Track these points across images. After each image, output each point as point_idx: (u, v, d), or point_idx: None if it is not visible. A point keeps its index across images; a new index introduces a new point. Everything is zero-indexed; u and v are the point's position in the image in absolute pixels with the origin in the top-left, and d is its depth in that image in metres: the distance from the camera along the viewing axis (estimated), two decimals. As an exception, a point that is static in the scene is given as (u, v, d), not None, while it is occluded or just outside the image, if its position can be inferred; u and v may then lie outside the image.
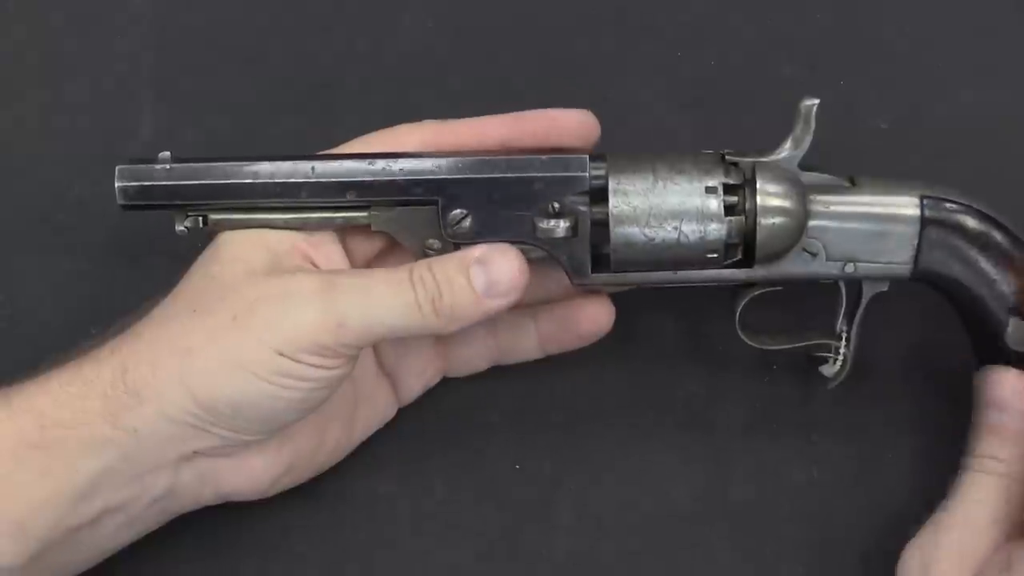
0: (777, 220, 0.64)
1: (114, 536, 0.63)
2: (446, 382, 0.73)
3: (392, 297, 0.61)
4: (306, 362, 0.60)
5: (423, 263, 0.62)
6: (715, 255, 0.64)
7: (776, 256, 0.65)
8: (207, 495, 0.65)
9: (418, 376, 0.71)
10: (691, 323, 0.74)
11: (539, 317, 0.70)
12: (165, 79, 0.76)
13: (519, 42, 0.77)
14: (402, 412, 0.72)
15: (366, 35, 0.77)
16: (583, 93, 0.67)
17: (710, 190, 0.63)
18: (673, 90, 0.76)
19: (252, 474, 0.65)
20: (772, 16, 0.77)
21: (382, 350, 0.70)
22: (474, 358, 0.71)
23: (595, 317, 0.69)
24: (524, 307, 0.70)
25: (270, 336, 0.60)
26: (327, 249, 0.65)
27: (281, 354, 0.60)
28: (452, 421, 0.73)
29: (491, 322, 0.70)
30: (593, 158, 0.64)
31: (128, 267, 0.73)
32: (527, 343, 0.70)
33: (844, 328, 0.68)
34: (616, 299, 0.71)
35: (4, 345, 0.68)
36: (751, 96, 0.76)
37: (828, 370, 0.69)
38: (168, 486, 0.63)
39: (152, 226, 0.73)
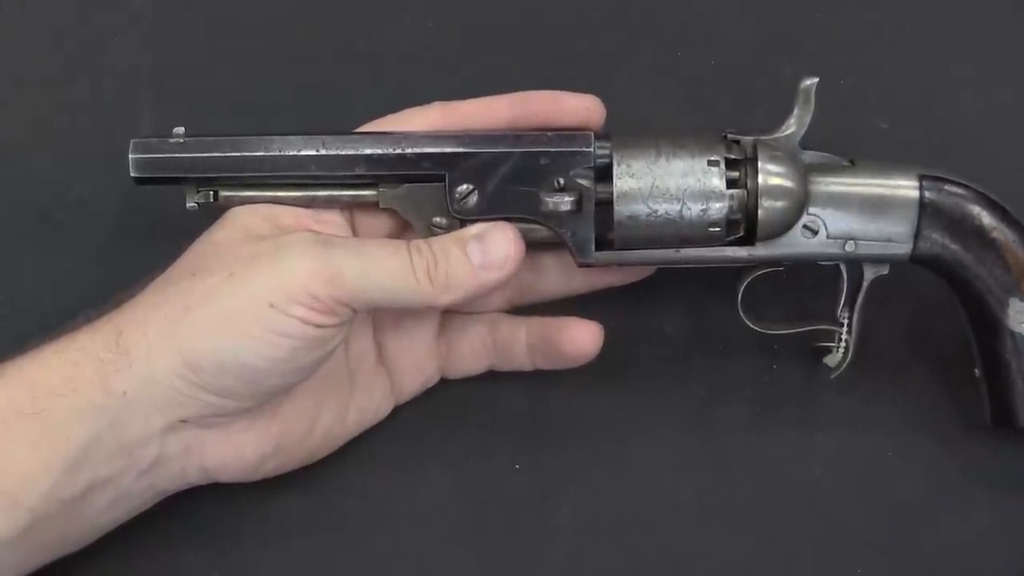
0: (778, 196, 0.64)
1: (104, 512, 0.63)
2: (445, 382, 0.72)
3: (387, 258, 0.62)
4: (296, 315, 0.60)
5: (421, 239, 0.63)
6: (717, 229, 0.64)
7: (777, 234, 0.65)
8: (193, 470, 0.65)
9: (416, 372, 0.71)
10: (691, 322, 0.74)
11: (529, 328, 0.70)
12: (165, 79, 0.76)
13: (519, 42, 0.77)
14: (401, 411, 0.72)
15: (366, 35, 0.77)
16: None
17: (712, 163, 0.64)
18: (673, 90, 0.77)
19: (238, 450, 0.65)
20: (772, 16, 0.77)
21: (382, 340, 0.70)
22: (472, 358, 0.71)
23: (577, 338, 0.68)
24: (519, 311, 0.71)
25: (263, 286, 0.60)
26: (333, 229, 0.66)
27: (272, 305, 0.60)
28: (451, 420, 0.73)
29: (489, 321, 0.71)
30: (598, 137, 0.65)
31: (128, 267, 0.73)
32: (519, 350, 0.70)
33: (845, 314, 0.68)
34: (617, 298, 0.71)
35: (4, 345, 0.67)
36: (751, 96, 0.76)
37: (831, 360, 0.69)
38: (155, 457, 0.63)
39: (152, 225, 0.74)
